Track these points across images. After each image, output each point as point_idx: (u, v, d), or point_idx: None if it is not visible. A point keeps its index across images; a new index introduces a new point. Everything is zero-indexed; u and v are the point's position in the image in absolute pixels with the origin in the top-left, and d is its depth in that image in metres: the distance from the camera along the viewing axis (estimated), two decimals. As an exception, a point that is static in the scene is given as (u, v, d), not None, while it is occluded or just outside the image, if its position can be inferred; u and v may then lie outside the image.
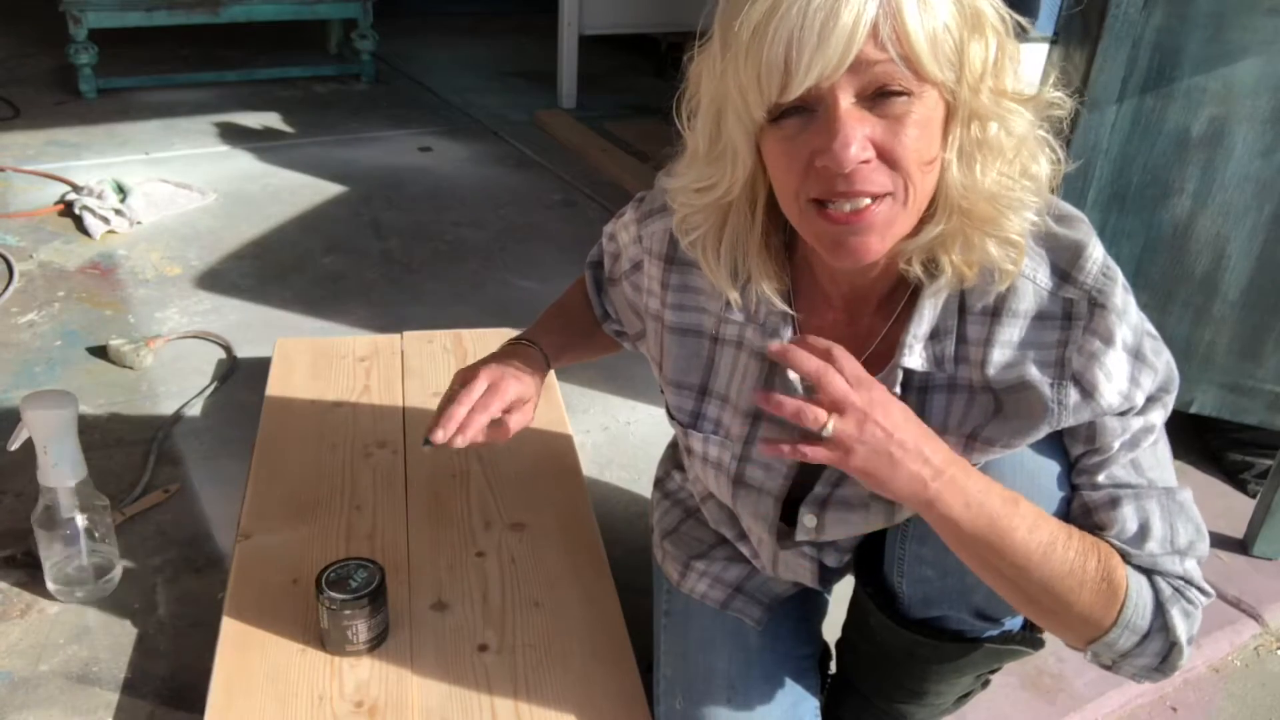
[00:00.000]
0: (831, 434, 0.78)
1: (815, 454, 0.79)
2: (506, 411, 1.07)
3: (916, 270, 0.85)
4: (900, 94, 0.74)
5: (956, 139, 0.79)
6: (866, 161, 0.76)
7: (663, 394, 1.09)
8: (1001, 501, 0.82)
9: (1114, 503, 0.86)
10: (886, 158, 0.76)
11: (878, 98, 0.75)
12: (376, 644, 1.20)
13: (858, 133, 0.75)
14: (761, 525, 1.06)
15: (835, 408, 0.78)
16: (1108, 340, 0.83)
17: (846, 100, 0.74)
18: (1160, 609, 0.86)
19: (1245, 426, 1.80)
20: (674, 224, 0.95)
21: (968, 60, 0.76)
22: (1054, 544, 0.83)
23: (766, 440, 0.81)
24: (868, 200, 0.77)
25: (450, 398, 1.06)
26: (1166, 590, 0.86)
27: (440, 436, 1.03)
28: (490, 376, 1.07)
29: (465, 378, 1.08)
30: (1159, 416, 0.87)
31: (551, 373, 1.79)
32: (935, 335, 0.88)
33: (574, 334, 1.22)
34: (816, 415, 0.78)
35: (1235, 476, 1.82)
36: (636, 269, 1.08)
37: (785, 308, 0.94)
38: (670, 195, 0.94)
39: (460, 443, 1.03)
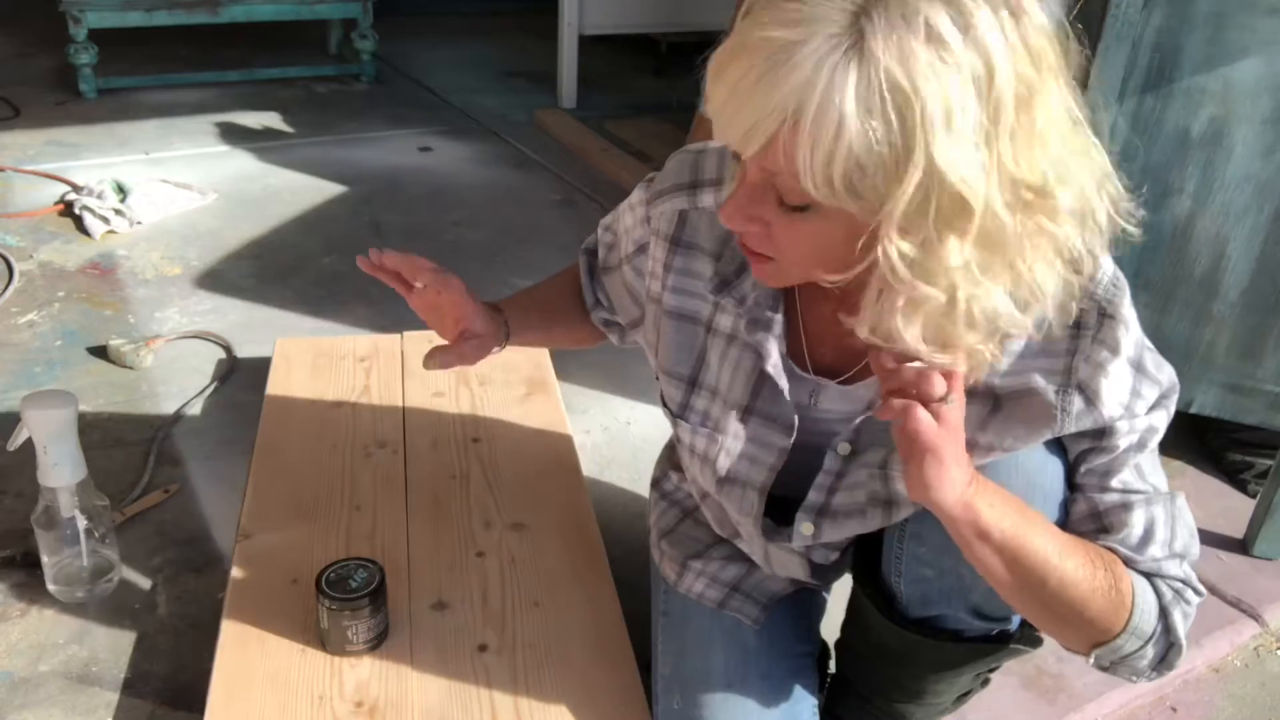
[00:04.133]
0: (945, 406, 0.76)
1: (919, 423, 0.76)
2: (460, 338, 1.07)
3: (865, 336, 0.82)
4: (795, 207, 0.74)
5: (881, 272, 0.73)
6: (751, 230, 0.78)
7: (658, 380, 1.09)
8: (1016, 507, 0.82)
9: (1125, 507, 0.87)
10: (771, 237, 0.78)
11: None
12: (376, 644, 1.20)
13: (742, 213, 0.77)
14: (747, 520, 1.06)
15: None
16: (1115, 350, 0.83)
17: (755, 175, 0.75)
18: (1164, 612, 0.87)
19: (1245, 426, 1.80)
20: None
21: (889, 197, 0.68)
22: (1065, 552, 0.83)
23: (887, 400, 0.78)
24: None
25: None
26: (1168, 594, 0.87)
27: (365, 263, 1.01)
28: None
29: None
30: (1162, 420, 0.87)
31: (550, 371, 1.80)
32: None
33: (544, 311, 1.20)
34: (936, 381, 0.76)
35: (1235, 476, 1.82)
36: (640, 251, 1.07)
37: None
38: None
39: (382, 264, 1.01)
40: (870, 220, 0.70)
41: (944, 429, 0.76)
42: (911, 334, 0.74)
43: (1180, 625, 0.87)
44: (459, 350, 1.07)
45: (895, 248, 0.70)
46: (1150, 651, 0.87)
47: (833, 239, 0.74)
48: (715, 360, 1.01)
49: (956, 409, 0.77)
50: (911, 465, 0.78)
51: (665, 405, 1.08)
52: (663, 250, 1.02)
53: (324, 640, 1.19)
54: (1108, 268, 0.83)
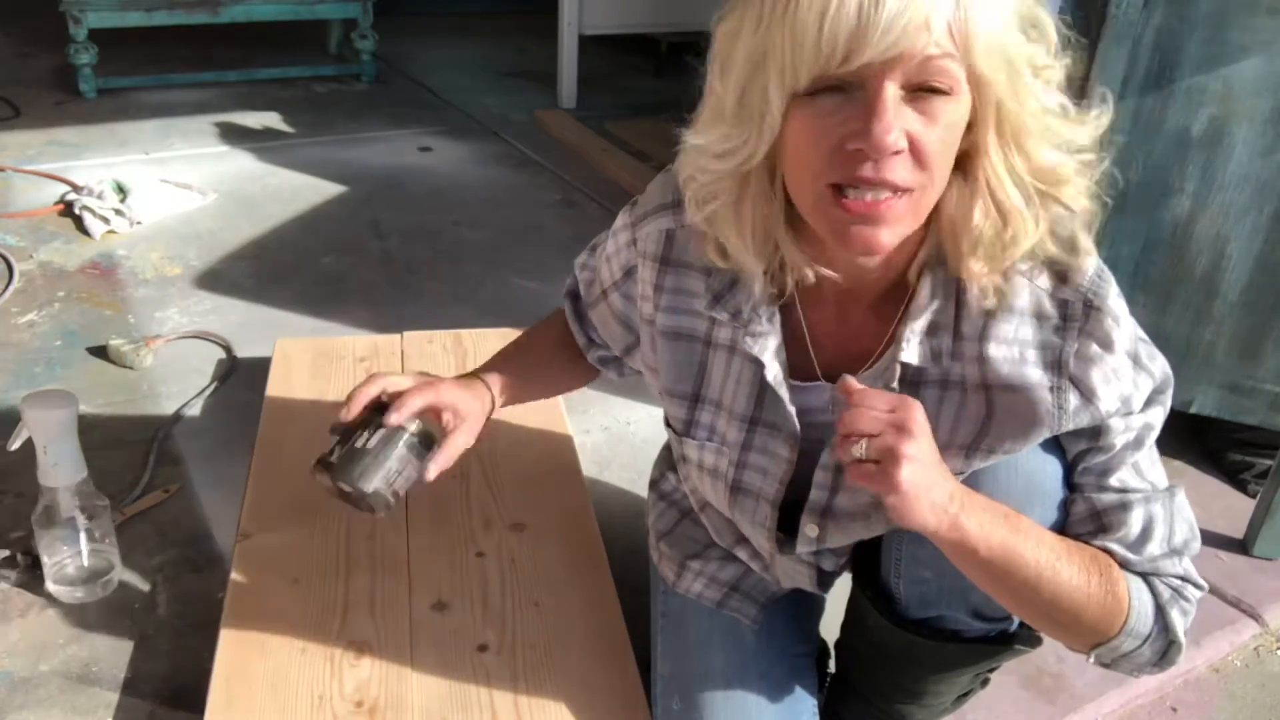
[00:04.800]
0: (866, 455, 0.78)
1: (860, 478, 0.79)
2: (442, 417, 1.07)
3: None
4: (943, 92, 0.73)
5: (983, 153, 0.78)
6: (899, 152, 0.74)
7: (660, 402, 1.09)
8: (1005, 518, 0.82)
9: (1124, 507, 0.87)
10: (917, 153, 0.75)
11: (919, 91, 0.73)
12: (392, 505, 1.05)
13: (899, 122, 0.73)
14: (760, 532, 1.06)
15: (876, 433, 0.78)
16: (1104, 344, 0.83)
17: (892, 87, 0.72)
18: (1160, 612, 0.88)
19: (1245, 426, 1.80)
20: (690, 196, 0.90)
21: (1021, 64, 0.75)
22: (1058, 562, 0.83)
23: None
24: (888, 193, 0.76)
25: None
26: (1165, 593, 0.88)
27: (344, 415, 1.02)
28: (404, 381, 1.06)
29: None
30: (1158, 416, 0.87)
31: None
32: (932, 330, 0.87)
33: (528, 369, 1.21)
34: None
35: (1235, 476, 1.82)
36: (629, 276, 1.07)
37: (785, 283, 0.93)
38: (686, 158, 0.88)
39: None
40: (995, 98, 0.75)
41: (907, 464, 0.76)
42: (996, 203, 0.79)
43: (1178, 623, 0.88)
44: (452, 444, 1.08)
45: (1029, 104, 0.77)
46: (1149, 649, 0.88)
47: (960, 127, 0.77)
48: (718, 374, 1.01)
49: (921, 442, 0.77)
50: (885, 501, 0.78)
51: (670, 426, 1.08)
52: (651, 271, 1.01)
53: (346, 472, 1.01)
54: (1092, 263, 0.84)
